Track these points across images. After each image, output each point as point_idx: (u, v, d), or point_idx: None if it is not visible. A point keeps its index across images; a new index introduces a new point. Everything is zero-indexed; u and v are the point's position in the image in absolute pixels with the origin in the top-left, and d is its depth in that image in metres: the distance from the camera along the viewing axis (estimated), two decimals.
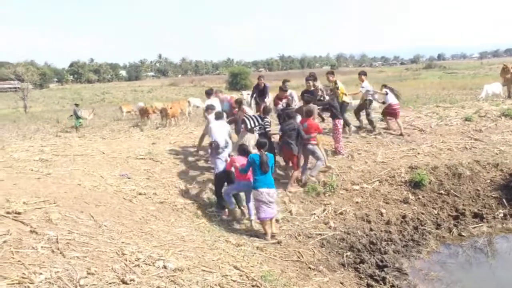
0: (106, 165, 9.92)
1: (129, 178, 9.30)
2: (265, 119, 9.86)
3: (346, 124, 12.32)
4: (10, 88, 61.51)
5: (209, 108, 10.26)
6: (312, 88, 11.64)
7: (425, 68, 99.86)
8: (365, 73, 12.57)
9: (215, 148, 8.61)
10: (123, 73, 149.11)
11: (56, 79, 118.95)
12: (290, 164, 9.99)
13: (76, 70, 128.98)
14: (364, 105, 12.50)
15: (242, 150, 8.29)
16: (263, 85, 12.54)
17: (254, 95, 12.65)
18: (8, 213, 5.71)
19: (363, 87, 12.36)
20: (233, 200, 8.47)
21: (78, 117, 21.56)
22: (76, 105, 23.08)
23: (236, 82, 66.43)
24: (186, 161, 10.80)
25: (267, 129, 9.76)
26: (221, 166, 8.57)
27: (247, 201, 8.37)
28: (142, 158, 10.65)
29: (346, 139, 12.00)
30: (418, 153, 11.15)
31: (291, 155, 9.64)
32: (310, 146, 9.77)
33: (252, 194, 7.90)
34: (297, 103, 11.89)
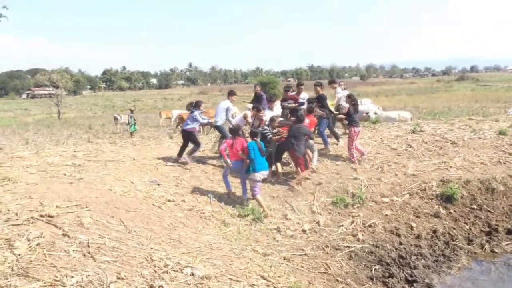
0: (136, 171, 10.08)
1: (158, 184, 9.41)
2: (264, 128, 10.39)
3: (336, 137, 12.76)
4: (45, 94, 63.34)
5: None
6: (321, 93, 11.95)
7: (457, 80, 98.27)
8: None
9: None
10: (153, 81, 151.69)
11: (89, 86, 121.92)
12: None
13: (108, 78, 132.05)
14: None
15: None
16: (258, 93, 12.76)
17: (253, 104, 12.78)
18: (41, 216, 5.85)
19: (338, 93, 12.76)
20: (230, 182, 9.55)
21: (133, 123, 21.38)
22: (131, 110, 22.50)
23: (265, 91, 66.43)
24: (215, 168, 10.88)
25: (267, 136, 10.15)
26: None
27: (242, 181, 9.32)
28: (171, 165, 10.78)
29: (375, 151, 11.91)
30: (450, 167, 10.92)
31: (297, 157, 9.87)
32: (310, 142, 10.42)
33: (251, 176, 8.81)
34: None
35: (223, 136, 11.16)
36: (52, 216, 5.90)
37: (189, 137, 11.10)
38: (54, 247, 4.85)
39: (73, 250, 4.86)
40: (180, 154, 11.10)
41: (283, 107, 12.11)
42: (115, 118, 25.52)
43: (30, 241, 4.91)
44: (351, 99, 11.55)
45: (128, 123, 21.53)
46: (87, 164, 10.28)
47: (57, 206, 6.40)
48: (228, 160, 9.04)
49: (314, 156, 10.60)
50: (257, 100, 12.61)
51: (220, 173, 10.26)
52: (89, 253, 4.87)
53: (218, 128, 11.44)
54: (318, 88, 11.99)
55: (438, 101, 38.43)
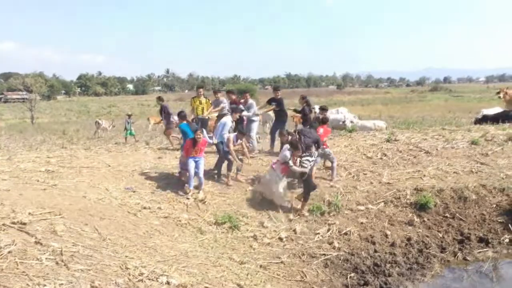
0: (111, 178, 9.95)
1: (134, 191, 9.31)
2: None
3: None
4: (18, 98, 62.09)
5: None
6: (279, 97, 12.88)
7: (431, 91, 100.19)
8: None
9: None
10: (130, 87, 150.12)
11: (63, 91, 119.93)
12: None
13: (83, 83, 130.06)
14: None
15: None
16: (233, 98, 12.93)
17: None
18: (13, 223, 5.73)
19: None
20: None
21: (129, 128, 21.08)
22: (129, 116, 22.15)
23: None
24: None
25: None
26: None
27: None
28: (147, 172, 10.68)
29: (351, 159, 12.06)
30: (424, 175, 11.09)
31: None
32: (326, 150, 10.72)
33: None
34: (255, 111, 12.86)
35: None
36: (24, 223, 5.79)
37: None
38: (26, 255, 4.76)
39: (46, 258, 4.77)
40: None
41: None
42: (97, 123, 25.22)
43: (1, 248, 4.80)
44: (304, 100, 12.56)
45: (125, 128, 21.27)
46: (60, 171, 10.10)
47: (29, 213, 6.28)
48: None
49: (333, 166, 10.80)
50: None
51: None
52: (62, 261, 4.78)
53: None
54: (278, 93, 13.01)
55: (412, 110, 39.13)
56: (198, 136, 9.49)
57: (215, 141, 10.63)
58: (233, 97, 12.92)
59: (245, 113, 12.42)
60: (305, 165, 9.26)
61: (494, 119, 17.64)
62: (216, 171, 10.73)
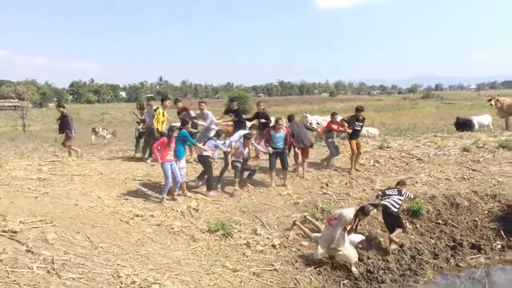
0: (103, 186, 9.90)
1: (126, 199, 9.26)
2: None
3: None
4: (9, 106, 61.65)
5: None
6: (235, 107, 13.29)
7: (423, 98, 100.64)
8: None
9: None
10: (123, 94, 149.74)
11: (56, 99, 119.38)
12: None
13: (76, 90, 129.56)
14: None
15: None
16: (181, 107, 12.73)
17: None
18: (4, 231, 5.69)
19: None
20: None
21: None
22: (138, 123, 22.04)
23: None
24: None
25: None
26: None
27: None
28: (140, 179, 10.63)
29: (345, 166, 12.12)
30: (416, 182, 11.15)
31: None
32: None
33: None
34: (212, 121, 12.55)
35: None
36: (15, 232, 5.75)
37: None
38: (17, 264, 4.71)
39: (37, 267, 4.73)
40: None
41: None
42: (94, 130, 25.09)
43: None
44: (260, 106, 13.09)
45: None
46: (52, 178, 10.05)
47: (20, 221, 6.24)
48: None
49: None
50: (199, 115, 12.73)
51: (189, 186, 10.19)
52: (53, 269, 4.75)
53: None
54: (234, 103, 13.40)
55: (404, 118, 39.28)
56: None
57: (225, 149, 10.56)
58: (180, 105, 12.68)
59: (201, 122, 12.32)
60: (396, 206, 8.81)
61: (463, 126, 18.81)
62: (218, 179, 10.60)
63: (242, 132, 10.77)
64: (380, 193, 9.27)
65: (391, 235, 8.72)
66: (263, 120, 12.64)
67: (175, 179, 9.60)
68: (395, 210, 8.66)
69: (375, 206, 8.42)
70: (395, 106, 69.30)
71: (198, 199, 9.75)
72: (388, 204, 8.68)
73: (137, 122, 14.49)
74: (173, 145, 9.48)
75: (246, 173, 10.73)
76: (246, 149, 10.58)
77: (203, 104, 12.70)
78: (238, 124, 12.77)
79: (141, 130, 13.75)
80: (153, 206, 9.18)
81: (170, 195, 9.64)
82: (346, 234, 7.80)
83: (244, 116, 13.50)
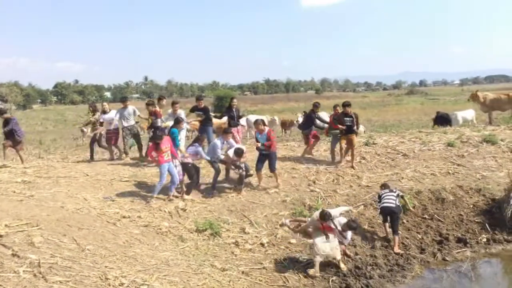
0: (89, 188, 9.83)
1: (113, 200, 9.20)
2: None
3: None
4: None
5: None
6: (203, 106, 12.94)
7: (407, 94, 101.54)
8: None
9: None
10: (107, 94, 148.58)
11: (39, 100, 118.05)
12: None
13: (60, 91, 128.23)
14: None
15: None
16: (177, 110, 12.43)
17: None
18: None
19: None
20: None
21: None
22: (92, 125, 21.77)
23: (221, 105, 66.72)
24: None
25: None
26: None
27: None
28: (127, 181, 10.57)
29: (332, 163, 12.18)
30: (402, 178, 11.25)
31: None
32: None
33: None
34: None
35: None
36: (0, 236, 5.69)
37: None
38: (2, 268, 4.66)
39: (23, 271, 4.69)
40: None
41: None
42: (82, 131, 24.95)
43: None
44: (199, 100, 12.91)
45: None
46: (37, 181, 9.95)
47: (6, 225, 6.17)
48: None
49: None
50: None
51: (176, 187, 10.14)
52: (40, 273, 4.71)
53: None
54: (201, 102, 12.95)
55: (389, 114, 39.68)
56: None
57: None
58: (152, 109, 12.38)
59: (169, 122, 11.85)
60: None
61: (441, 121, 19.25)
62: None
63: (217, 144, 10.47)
64: (377, 198, 9.49)
65: (396, 237, 8.83)
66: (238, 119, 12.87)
67: (173, 179, 9.61)
68: (395, 206, 8.88)
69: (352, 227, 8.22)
70: (380, 102, 69.93)
71: (185, 199, 9.72)
72: (390, 205, 8.86)
73: (88, 125, 14.45)
74: (164, 147, 9.45)
75: (236, 176, 10.60)
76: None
77: (177, 105, 12.36)
78: (205, 122, 12.78)
79: (91, 133, 13.83)
80: (140, 207, 9.13)
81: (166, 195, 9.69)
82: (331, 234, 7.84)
83: (214, 114, 13.63)
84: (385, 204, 8.95)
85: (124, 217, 8.31)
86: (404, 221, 9.75)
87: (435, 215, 9.97)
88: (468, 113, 20.74)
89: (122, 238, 7.13)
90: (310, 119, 13.38)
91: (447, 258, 8.57)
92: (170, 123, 11.34)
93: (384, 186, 9.65)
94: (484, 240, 9.25)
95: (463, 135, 14.41)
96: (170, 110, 12.53)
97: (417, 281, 7.78)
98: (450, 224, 9.82)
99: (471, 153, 12.78)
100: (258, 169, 10.60)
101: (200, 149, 10.18)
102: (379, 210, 9.23)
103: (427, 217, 9.94)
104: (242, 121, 13.84)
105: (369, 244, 8.90)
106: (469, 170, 11.69)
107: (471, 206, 10.26)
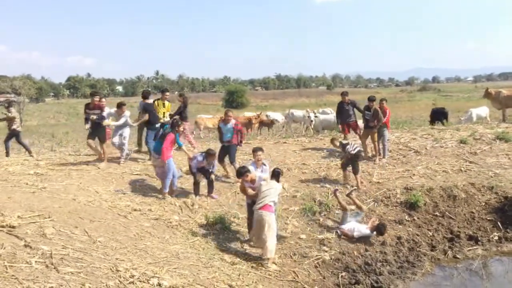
0: (101, 180, 9.90)
1: (124, 193, 9.26)
2: None
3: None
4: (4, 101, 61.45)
5: None
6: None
7: (420, 91, 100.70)
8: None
9: None
10: (119, 88, 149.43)
11: (52, 94, 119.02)
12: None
13: (72, 85, 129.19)
14: None
15: None
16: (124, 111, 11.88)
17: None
18: (2, 226, 5.68)
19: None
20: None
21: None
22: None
23: (232, 100, 66.86)
24: (183, 177, 10.76)
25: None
26: None
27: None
28: (137, 174, 10.62)
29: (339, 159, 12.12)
30: (414, 174, 11.17)
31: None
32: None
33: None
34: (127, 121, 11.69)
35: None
36: (13, 227, 5.74)
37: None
38: (15, 259, 4.70)
39: (36, 262, 4.72)
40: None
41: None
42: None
43: None
44: (182, 97, 13.30)
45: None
46: (50, 173, 10.04)
47: (18, 216, 6.22)
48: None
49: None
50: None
51: (189, 182, 10.15)
52: (52, 264, 4.74)
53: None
54: (182, 98, 13.21)
55: (401, 110, 39.37)
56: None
57: None
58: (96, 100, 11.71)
59: (113, 123, 11.62)
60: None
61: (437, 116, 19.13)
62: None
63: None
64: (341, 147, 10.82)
65: (357, 176, 10.46)
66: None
67: (174, 173, 9.61)
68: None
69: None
70: (392, 98, 69.27)
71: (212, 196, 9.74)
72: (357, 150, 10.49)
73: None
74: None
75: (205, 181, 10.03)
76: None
77: (123, 107, 11.83)
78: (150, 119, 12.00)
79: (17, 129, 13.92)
80: (151, 200, 9.18)
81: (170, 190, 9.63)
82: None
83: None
84: (358, 148, 10.68)
85: (135, 210, 8.36)
86: (415, 218, 9.71)
87: (447, 213, 9.90)
88: (482, 110, 20.52)
89: (133, 230, 7.17)
90: (342, 109, 13.39)
91: (458, 256, 8.54)
92: (114, 122, 11.52)
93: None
94: (496, 238, 9.19)
95: (476, 132, 14.27)
96: (114, 109, 12.24)
97: (428, 278, 7.75)
98: (462, 221, 9.76)
99: (484, 151, 12.66)
100: (221, 160, 10.61)
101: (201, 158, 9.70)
102: (350, 156, 10.37)
103: (438, 214, 9.88)
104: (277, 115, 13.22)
105: (379, 241, 8.86)
106: (481, 167, 11.58)
107: (483, 203, 10.18)
